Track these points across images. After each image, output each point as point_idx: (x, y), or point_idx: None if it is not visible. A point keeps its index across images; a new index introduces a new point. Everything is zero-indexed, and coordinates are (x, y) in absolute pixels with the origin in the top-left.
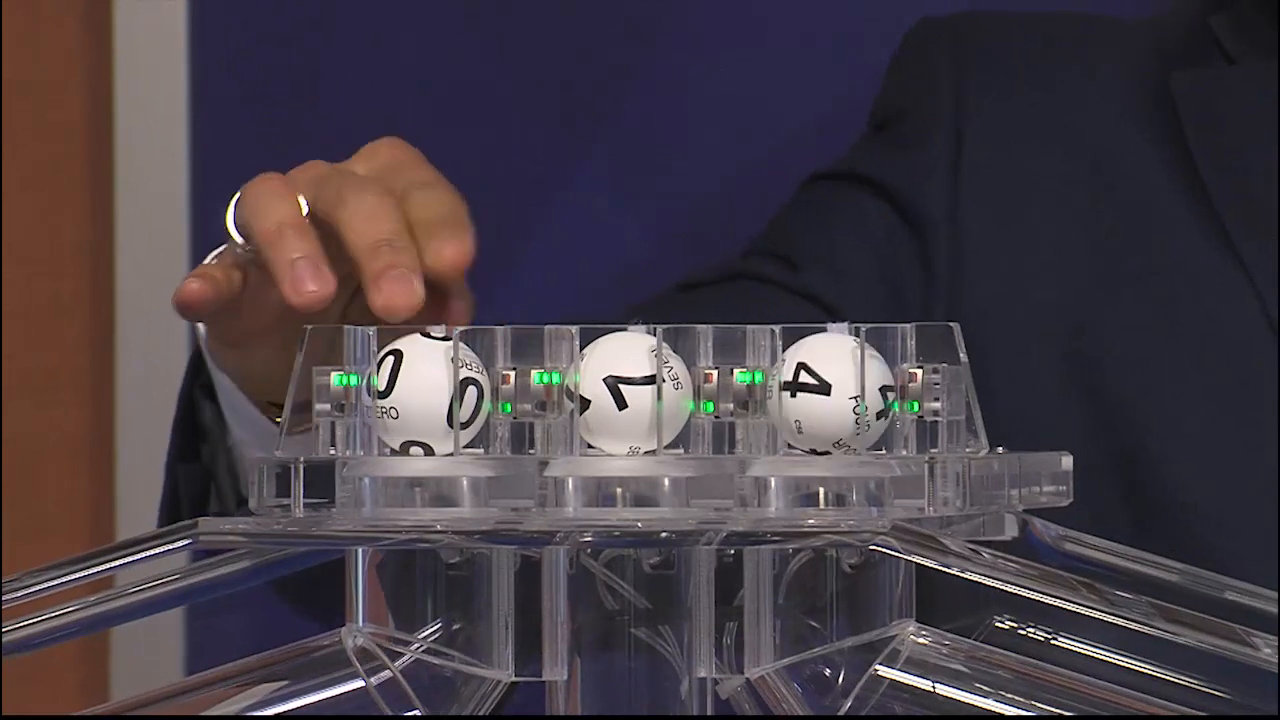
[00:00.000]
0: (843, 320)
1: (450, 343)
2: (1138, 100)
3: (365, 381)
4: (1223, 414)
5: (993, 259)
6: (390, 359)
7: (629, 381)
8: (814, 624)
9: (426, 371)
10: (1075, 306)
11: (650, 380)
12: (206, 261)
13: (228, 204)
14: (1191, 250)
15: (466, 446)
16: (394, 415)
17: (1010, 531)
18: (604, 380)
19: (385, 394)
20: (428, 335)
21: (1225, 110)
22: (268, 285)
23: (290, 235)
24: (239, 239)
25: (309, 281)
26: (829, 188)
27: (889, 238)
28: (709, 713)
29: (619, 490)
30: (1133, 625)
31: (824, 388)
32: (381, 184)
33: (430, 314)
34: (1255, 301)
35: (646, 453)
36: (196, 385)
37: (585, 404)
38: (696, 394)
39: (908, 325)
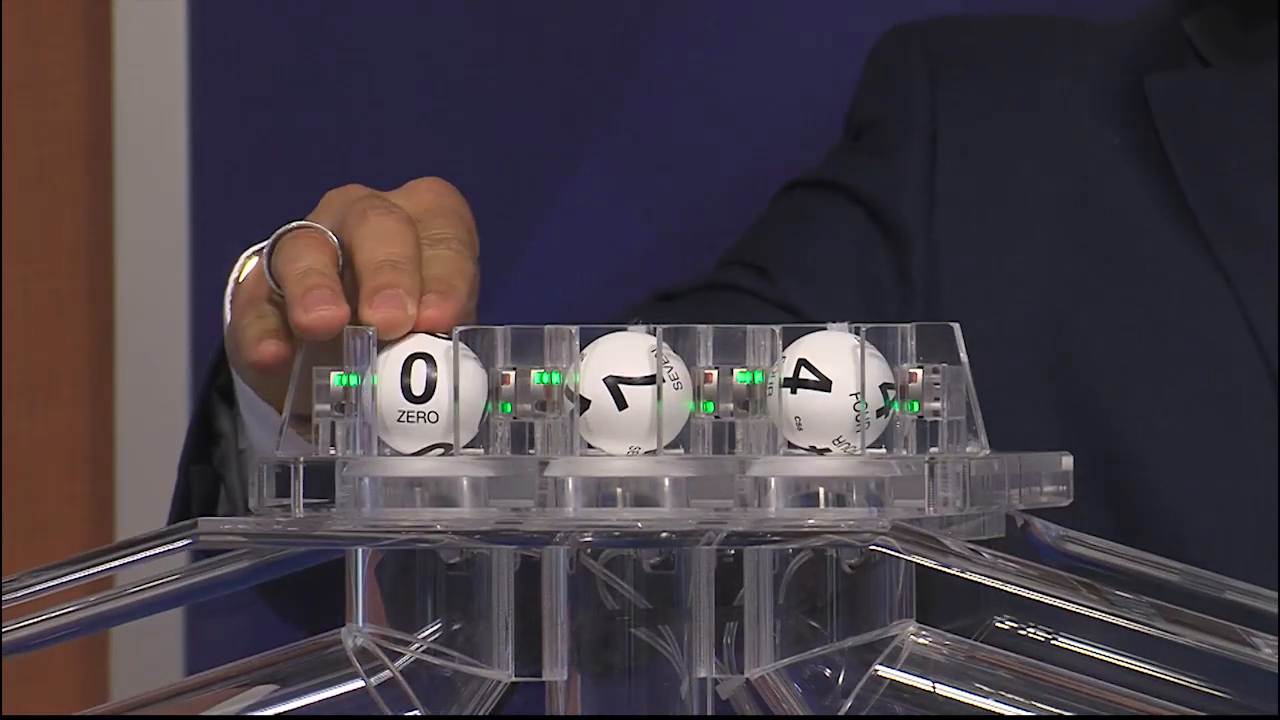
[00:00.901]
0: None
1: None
2: (1113, 103)
3: (367, 382)
4: (1204, 418)
5: (970, 267)
6: (420, 363)
7: (629, 381)
8: (814, 624)
9: (468, 371)
10: (1054, 313)
11: (650, 380)
12: (237, 289)
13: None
14: (1170, 255)
15: (466, 446)
16: (433, 419)
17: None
18: (604, 380)
19: (422, 398)
20: (432, 335)
21: (1200, 113)
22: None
23: (314, 274)
24: (273, 285)
25: (320, 304)
26: (804, 196)
27: (865, 247)
28: (709, 713)
29: (619, 490)
30: (1133, 625)
31: (824, 384)
32: (404, 213)
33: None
34: (1234, 305)
35: (646, 453)
36: (214, 387)
37: (585, 404)
38: (696, 394)
39: (908, 325)
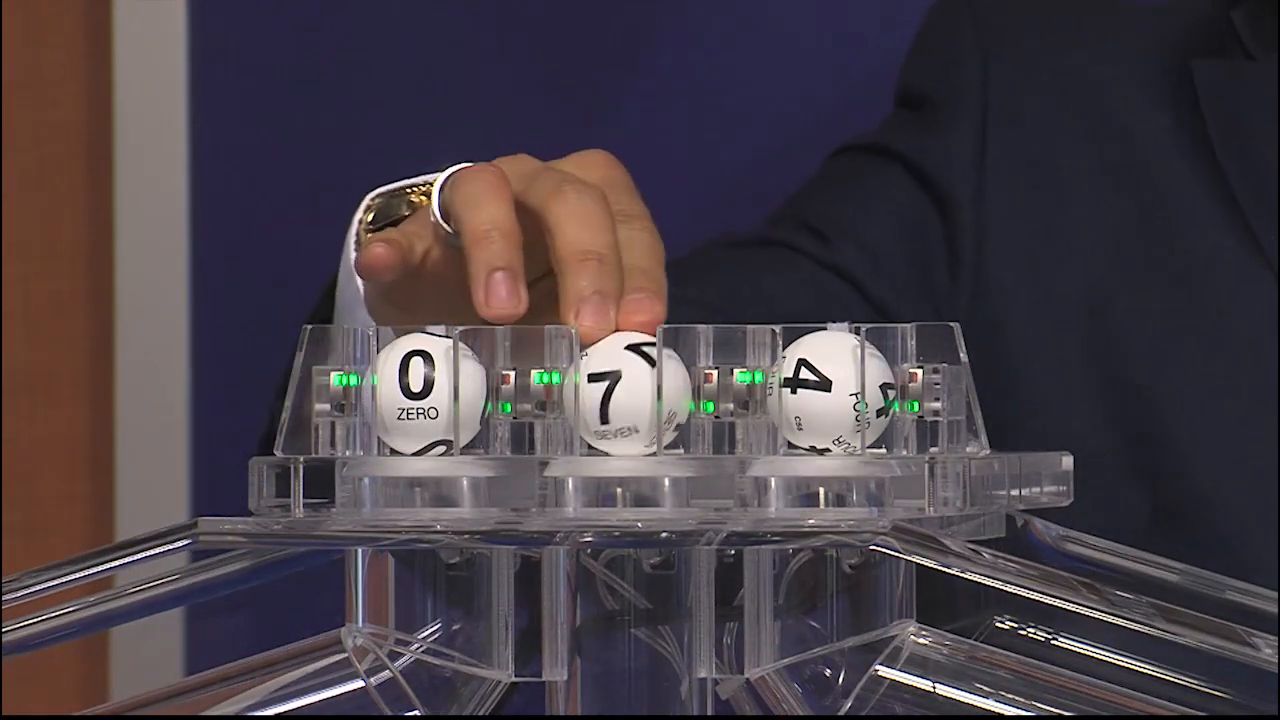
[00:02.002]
0: (870, 296)
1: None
2: (1159, 85)
3: (367, 382)
4: (1240, 402)
5: (1016, 242)
6: (418, 360)
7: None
8: (814, 624)
9: (467, 369)
10: (1097, 290)
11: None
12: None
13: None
14: (1212, 237)
15: (466, 447)
16: (433, 415)
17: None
18: (625, 349)
19: (420, 395)
20: (427, 333)
21: (1245, 103)
22: (455, 263)
23: (497, 241)
24: (440, 220)
25: (504, 297)
26: (859, 161)
27: (917, 217)
28: (709, 713)
29: (619, 490)
30: (1133, 625)
31: (824, 384)
32: (599, 191)
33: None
34: (1275, 289)
35: (647, 454)
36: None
37: (607, 377)
38: (696, 394)
39: (908, 325)
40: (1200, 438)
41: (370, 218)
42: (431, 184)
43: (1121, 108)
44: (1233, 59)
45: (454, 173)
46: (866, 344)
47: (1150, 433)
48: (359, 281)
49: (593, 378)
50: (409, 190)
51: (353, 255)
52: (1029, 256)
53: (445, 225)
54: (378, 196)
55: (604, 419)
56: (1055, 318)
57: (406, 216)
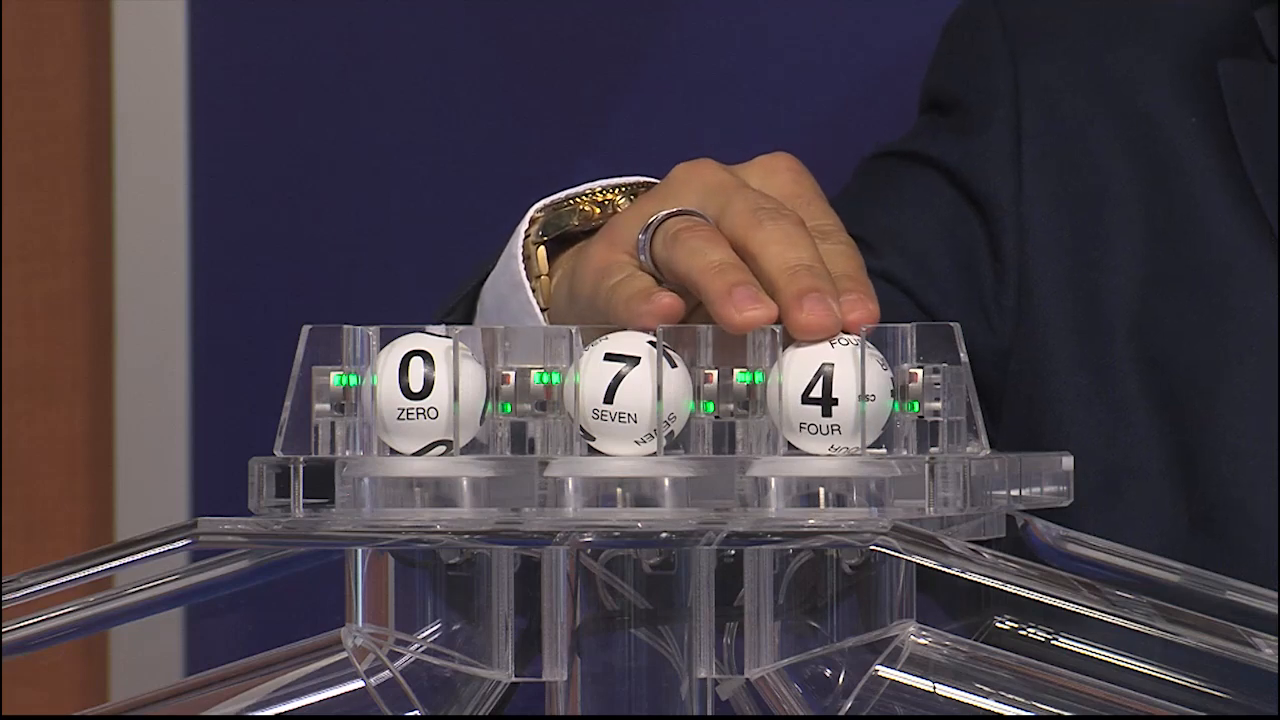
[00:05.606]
0: (921, 303)
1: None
2: (1187, 83)
3: (367, 382)
4: (1271, 405)
5: (1058, 242)
6: (418, 360)
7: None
8: (814, 624)
9: (467, 369)
10: (1136, 292)
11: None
12: (582, 256)
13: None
14: (1236, 239)
15: (466, 447)
16: (432, 415)
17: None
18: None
19: (420, 395)
20: (427, 333)
21: (1267, 101)
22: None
23: (731, 270)
24: (652, 267)
25: (750, 304)
26: (892, 167)
27: (959, 221)
28: (709, 713)
29: (619, 490)
30: (1133, 625)
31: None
32: (795, 215)
33: None
34: None
35: (648, 454)
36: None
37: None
38: (697, 394)
39: (908, 325)
40: (1237, 445)
41: (538, 230)
42: (596, 192)
43: (1152, 107)
44: (1256, 60)
45: (665, 225)
46: (867, 344)
47: (1187, 437)
48: (528, 293)
49: (609, 357)
50: (575, 200)
51: (520, 266)
52: (1070, 257)
53: (656, 272)
54: (542, 210)
55: (609, 399)
56: (1100, 321)
57: (576, 226)
